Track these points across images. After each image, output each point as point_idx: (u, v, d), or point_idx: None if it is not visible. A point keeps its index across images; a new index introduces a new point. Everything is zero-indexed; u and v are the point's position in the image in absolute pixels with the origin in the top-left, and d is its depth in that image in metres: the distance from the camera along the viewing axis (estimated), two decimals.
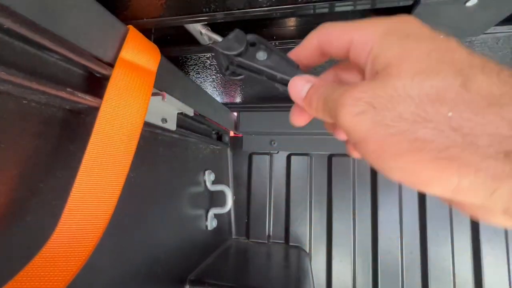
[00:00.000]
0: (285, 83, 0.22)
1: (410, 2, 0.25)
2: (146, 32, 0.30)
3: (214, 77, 0.50)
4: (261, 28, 0.35)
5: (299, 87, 0.20)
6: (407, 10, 0.26)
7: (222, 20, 0.30)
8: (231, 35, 0.24)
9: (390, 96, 0.15)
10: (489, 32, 0.30)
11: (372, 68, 0.17)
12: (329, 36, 0.20)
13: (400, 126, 0.14)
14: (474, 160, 0.13)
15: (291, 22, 0.35)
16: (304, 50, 0.22)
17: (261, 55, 0.23)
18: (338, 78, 0.23)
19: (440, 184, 0.13)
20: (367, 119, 0.15)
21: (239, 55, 0.24)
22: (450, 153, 0.13)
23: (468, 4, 0.23)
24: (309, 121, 0.24)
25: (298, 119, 0.24)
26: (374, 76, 0.16)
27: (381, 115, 0.15)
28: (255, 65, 0.23)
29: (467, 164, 0.13)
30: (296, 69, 0.22)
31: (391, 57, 0.15)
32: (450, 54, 0.14)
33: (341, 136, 0.24)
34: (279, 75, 0.22)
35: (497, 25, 0.28)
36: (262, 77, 0.24)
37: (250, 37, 0.24)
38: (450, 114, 0.13)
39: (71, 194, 0.21)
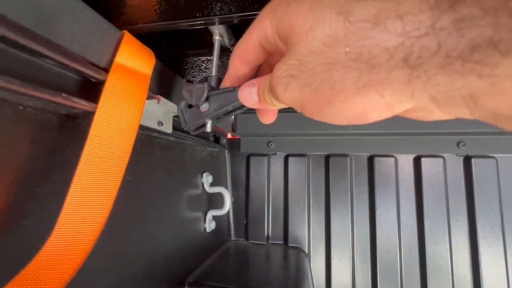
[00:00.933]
0: (236, 108, 0.25)
1: None
2: (141, 36, 0.30)
3: None
4: None
5: (248, 94, 0.22)
6: None
7: (216, 24, 0.30)
8: (196, 86, 0.27)
9: (299, 60, 0.16)
10: None
11: (283, 39, 0.18)
12: (243, 49, 0.22)
13: (318, 79, 0.16)
14: (382, 77, 0.14)
15: None
16: (234, 73, 0.24)
17: (204, 106, 0.26)
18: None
19: (373, 110, 0.15)
20: (294, 88, 0.17)
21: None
22: (363, 81, 0.14)
23: None
24: (275, 115, 0.26)
25: (265, 117, 0.26)
26: (286, 49, 0.18)
27: (301, 79, 0.16)
28: (202, 119, 0.27)
29: (381, 82, 0.14)
30: (234, 90, 0.24)
31: (286, 28, 0.17)
32: None
33: None
34: (229, 108, 0.25)
35: None
36: (219, 118, 0.27)
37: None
38: (347, 49, 0.14)
39: (67, 198, 0.21)
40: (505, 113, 0.12)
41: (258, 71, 0.26)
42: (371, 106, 0.15)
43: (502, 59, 0.11)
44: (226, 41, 0.35)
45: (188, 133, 0.51)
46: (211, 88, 0.27)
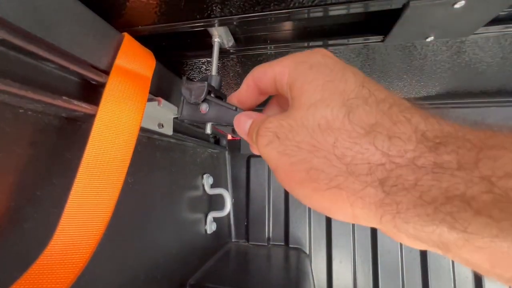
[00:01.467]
0: (230, 125, 0.25)
1: (400, 6, 0.25)
2: (141, 38, 0.30)
3: None
4: (255, 32, 0.35)
5: (242, 123, 0.22)
6: (397, 13, 0.27)
7: (216, 26, 0.30)
8: (196, 84, 0.27)
9: (290, 126, 0.16)
10: (479, 32, 0.30)
11: (291, 96, 0.18)
12: (260, 75, 0.21)
13: (298, 156, 0.15)
14: (356, 188, 0.13)
15: (286, 26, 0.35)
16: (245, 93, 0.24)
17: (204, 108, 0.26)
18: (281, 109, 0.24)
19: (340, 213, 0.14)
20: (273, 149, 0.16)
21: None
22: (338, 182, 0.14)
23: (456, 6, 0.24)
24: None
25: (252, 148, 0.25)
26: (290, 104, 0.18)
27: (283, 145, 0.16)
28: (199, 119, 0.26)
29: (353, 192, 0.13)
30: (235, 110, 0.24)
31: (297, 89, 0.16)
32: (342, 84, 0.15)
33: None
34: (222, 122, 0.25)
35: (486, 25, 0.29)
36: (208, 123, 0.27)
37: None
38: (335, 143, 0.14)
39: (68, 201, 0.21)
40: (484, 267, 0.11)
41: (269, 100, 0.26)
42: (338, 210, 0.14)
43: (474, 217, 0.11)
44: (225, 43, 0.35)
45: (186, 134, 0.51)
46: (211, 88, 0.27)
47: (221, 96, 0.29)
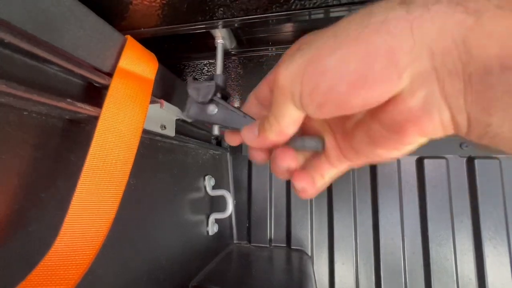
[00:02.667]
0: (235, 129, 0.25)
1: None
2: (143, 41, 0.30)
3: None
4: (257, 34, 0.35)
5: (249, 133, 0.23)
6: None
7: (218, 28, 0.30)
8: (203, 84, 0.26)
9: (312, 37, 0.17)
10: None
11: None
12: (257, 88, 0.25)
13: (323, 39, 0.16)
14: (381, 19, 0.14)
15: (287, 28, 0.36)
16: (249, 109, 0.25)
17: (211, 109, 0.26)
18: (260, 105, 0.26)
19: (377, 57, 0.14)
20: (297, 58, 0.17)
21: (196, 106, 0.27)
22: (364, 24, 0.15)
23: None
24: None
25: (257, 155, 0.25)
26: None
27: (306, 48, 0.17)
28: (205, 119, 0.26)
29: (381, 22, 0.14)
30: (244, 116, 0.24)
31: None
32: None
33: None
34: (229, 125, 0.25)
35: None
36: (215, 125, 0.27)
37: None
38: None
39: (71, 203, 0.21)
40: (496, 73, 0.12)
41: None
42: (374, 51, 0.14)
43: None
44: (228, 44, 0.35)
45: (188, 135, 0.51)
46: (218, 87, 0.27)
47: (227, 95, 0.29)
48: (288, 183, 0.79)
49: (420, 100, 0.14)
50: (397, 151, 0.17)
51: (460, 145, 0.68)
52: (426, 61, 0.13)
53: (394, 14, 0.13)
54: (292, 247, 0.77)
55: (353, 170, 0.75)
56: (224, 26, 0.30)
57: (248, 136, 0.23)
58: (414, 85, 0.14)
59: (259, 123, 0.22)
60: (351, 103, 0.15)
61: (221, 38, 0.33)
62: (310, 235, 0.76)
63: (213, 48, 0.37)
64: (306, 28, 0.34)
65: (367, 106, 0.15)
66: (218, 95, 0.27)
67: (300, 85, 0.16)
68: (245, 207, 0.81)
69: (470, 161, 0.69)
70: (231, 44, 0.35)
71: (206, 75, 0.46)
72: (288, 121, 0.19)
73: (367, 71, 0.14)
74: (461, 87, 0.13)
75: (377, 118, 0.17)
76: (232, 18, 0.28)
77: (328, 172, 0.22)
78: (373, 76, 0.14)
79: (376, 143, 0.17)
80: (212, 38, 0.37)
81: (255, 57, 0.39)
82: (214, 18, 0.28)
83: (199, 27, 0.30)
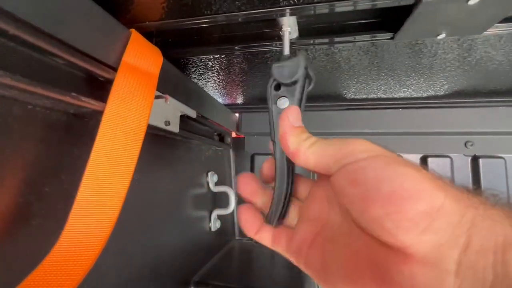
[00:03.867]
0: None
1: (412, 2, 0.25)
2: (148, 35, 0.30)
3: (215, 78, 0.50)
4: (262, 28, 0.35)
5: (291, 116, 0.21)
6: (408, 9, 0.26)
7: (223, 22, 0.30)
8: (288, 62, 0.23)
9: None
10: (491, 30, 0.29)
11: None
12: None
13: None
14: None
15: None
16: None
17: (282, 103, 0.23)
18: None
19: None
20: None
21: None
22: None
23: (470, 2, 0.23)
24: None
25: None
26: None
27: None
28: (271, 107, 0.23)
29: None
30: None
31: None
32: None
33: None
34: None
35: (499, 22, 0.28)
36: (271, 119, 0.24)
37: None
38: None
39: (77, 198, 0.21)
40: None
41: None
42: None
43: None
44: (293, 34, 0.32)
45: (192, 131, 0.51)
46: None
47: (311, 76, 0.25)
48: None
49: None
50: None
51: (465, 144, 0.68)
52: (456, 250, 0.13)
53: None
54: None
55: None
56: (228, 20, 0.29)
57: (291, 115, 0.21)
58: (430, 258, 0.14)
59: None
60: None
61: (288, 27, 0.30)
62: None
63: (217, 43, 0.37)
64: (311, 23, 0.34)
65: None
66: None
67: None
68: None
69: (475, 160, 0.68)
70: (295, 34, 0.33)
71: (210, 70, 0.46)
72: (317, 157, 0.18)
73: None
74: None
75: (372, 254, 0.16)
76: (237, 12, 0.28)
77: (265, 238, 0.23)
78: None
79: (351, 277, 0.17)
80: (217, 32, 0.36)
81: (260, 53, 0.39)
82: (219, 12, 0.28)
83: (204, 21, 0.29)
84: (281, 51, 0.38)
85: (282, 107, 0.23)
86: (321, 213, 0.21)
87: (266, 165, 0.25)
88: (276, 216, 0.22)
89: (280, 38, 0.35)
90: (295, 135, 0.20)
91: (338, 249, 0.18)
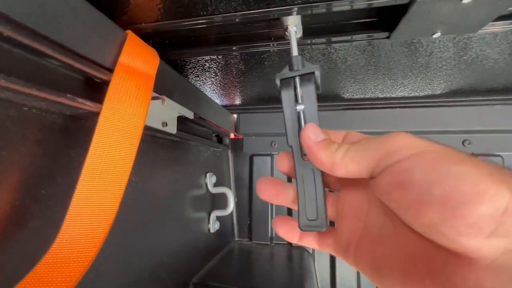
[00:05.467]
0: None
1: (407, 1, 0.25)
2: (144, 36, 0.30)
3: (213, 79, 0.50)
4: (259, 29, 0.35)
5: (313, 132, 0.20)
6: (403, 8, 0.26)
7: (220, 23, 0.30)
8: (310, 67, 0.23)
9: None
10: (486, 28, 0.30)
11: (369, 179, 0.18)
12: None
13: None
14: None
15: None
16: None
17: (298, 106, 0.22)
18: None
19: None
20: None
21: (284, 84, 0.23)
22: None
23: (465, 1, 0.23)
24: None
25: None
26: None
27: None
28: (286, 105, 0.22)
29: None
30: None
31: None
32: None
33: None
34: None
35: (494, 21, 0.28)
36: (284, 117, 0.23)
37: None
38: None
39: (73, 199, 0.21)
40: None
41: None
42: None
43: None
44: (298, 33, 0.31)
45: (190, 132, 0.51)
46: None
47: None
48: (289, 180, 0.79)
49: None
50: None
51: (463, 143, 0.68)
52: None
53: None
54: (293, 245, 0.77)
55: None
56: (225, 21, 0.30)
57: (310, 133, 0.19)
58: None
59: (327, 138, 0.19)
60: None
61: (294, 26, 0.30)
62: None
63: (214, 44, 0.37)
64: (308, 23, 0.34)
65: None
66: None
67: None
68: (246, 205, 0.81)
69: None
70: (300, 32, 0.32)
71: (207, 71, 0.46)
72: (356, 164, 0.17)
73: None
74: None
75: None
76: (233, 12, 0.28)
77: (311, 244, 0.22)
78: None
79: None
80: (213, 33, 0.37)
81: (257, 53, 0.39)
82: (216, 13, 0.28)
83: (200, 22, 0.29)
84: (279, 51, 0.38)
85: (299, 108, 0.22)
86: (360, 208, 0.20)
87: (280, 160, 0.24)
88: (323, 219, 0.21)
89: (277, 39, 0.35)
90: (323, 149, 0.18)
91: (389, 251, 0.17)
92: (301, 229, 0.22)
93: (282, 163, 0.24)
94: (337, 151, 0.18)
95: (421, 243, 0.15)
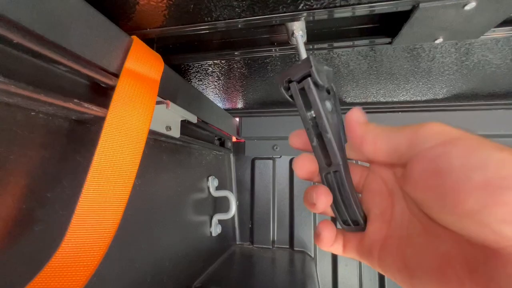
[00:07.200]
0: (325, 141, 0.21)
1: (409, 7, 0.25)
2: (149, 41, 0.30)
3: (216, 83, 0.51)
4: (261, 34, 0.35)
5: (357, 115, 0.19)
6: (405, 14, 0.27)
7: (223, 29, 0.30)
8: (322, 66, 0.22)
9: None
10: (488, 34, 0.30)
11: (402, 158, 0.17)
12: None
13: None
14: None
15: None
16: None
17: (329, 106, 0.21)
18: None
19: None
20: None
21: (318, 86, 0.21)
22: None
23: (467, 7, 0.24)
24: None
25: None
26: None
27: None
28: (320, 108, 0.20)
29: None
30: (344, 141, 0.21)
31: None
32: None
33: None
34: (329, 135, 0.20)
35: (496, 26, 0.29)
36: (308, 121, 0.21)
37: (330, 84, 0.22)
38: None
39: (78, 203, 0.21)
40: None
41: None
42: None
43: None
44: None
45: (192, 136, 0.51)
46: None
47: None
48: (291, 184, 0.79)
49: None
50: None
51: None
52: None
53: None
54: (295, 249, 0.76)
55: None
56: (228, 27, 0.30)
57: (356, 116, 0.19)
58: None
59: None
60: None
61: (301, 31, 0.30)
62: (313, 236, 0.76)
63: (217, 49, 0.37)
64: (310, 28, 0.34)
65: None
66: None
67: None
68: (248, 208, 0.81)
69: None
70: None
71: (210, 75, 0.46)
72: (387, 142, 0.17)
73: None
74: None
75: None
76: (237, 18, 0.28)
77: (349, 250, 0.21)
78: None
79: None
80: (217, 38, 0.37)
81: (260, 58, 0.39)
82: (220, 19, 0.28)
83: (204, 27, 0.30)
84: (281, 56, 0.38)
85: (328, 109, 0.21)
86: (384, 207, 0.19)
87: (294, 139, 0.23)
88: (361, 218, 0.20)
89: (280, 44, 0.35)
90: (362, 124, 0.18)
91: (420, 252, 0.16)
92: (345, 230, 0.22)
93: (303, 168, 0.22)
94: (373, 128, 0.18)
95: (456, 242, 0.14)
